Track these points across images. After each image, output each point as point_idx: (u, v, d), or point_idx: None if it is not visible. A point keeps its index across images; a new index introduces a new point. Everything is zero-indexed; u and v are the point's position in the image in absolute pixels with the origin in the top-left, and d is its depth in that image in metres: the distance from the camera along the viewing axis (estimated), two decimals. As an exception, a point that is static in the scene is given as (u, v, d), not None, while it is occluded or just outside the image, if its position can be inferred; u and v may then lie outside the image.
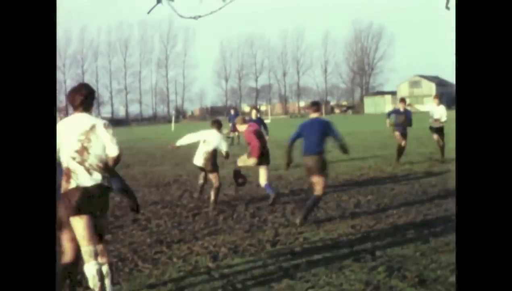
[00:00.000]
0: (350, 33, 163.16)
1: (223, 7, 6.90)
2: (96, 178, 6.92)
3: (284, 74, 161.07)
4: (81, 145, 6.90)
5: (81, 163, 6.88)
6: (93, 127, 6.96)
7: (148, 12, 6.67)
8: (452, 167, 18.46)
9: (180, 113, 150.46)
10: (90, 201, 6.85)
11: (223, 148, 15.00)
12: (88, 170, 6.88)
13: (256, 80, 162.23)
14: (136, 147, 41.96)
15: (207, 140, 14.90)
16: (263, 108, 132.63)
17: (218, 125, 15.31)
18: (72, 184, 6.84)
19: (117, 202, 15.65)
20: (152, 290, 7.97)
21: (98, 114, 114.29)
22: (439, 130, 22.97)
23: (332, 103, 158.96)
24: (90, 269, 6.91)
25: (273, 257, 9.39)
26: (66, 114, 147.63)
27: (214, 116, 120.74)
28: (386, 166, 22.14)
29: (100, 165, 6.98)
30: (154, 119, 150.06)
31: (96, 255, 6.94)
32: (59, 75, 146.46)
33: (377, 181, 18.31)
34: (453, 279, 7.57)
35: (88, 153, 6.91)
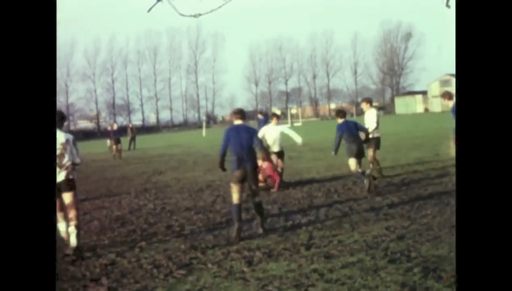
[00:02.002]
0: (379, 34, 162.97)
1: (223, 6, 6.93)
2: (67, 174, 10.53)
3: (314, 77, 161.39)
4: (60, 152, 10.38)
5: (59, 164, 10.35)
6: (67, 141, 10.53)
7: (148, 11, 6.70)
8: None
9: (211, 119, 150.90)
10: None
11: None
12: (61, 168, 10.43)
13: (286, 84, 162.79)
14: (168, 153, 42.10)
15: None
16: (293, 111, 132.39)
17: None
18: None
19: (150, 209, 15.73)
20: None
21: (130, 122, 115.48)
22: (371, 143, 19.31)
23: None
24: (60, 226, 10.73)
25: (308, 261, 9.34)
26: (98, 123, 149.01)
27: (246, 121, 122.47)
28: (418, 166, 21.99)
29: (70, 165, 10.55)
30: (185, 125, 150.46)
31: (65, 218, 10.72)
32: (90, 84, 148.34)
33: (410, 181, 18.19)
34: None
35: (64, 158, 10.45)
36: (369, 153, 19.04)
